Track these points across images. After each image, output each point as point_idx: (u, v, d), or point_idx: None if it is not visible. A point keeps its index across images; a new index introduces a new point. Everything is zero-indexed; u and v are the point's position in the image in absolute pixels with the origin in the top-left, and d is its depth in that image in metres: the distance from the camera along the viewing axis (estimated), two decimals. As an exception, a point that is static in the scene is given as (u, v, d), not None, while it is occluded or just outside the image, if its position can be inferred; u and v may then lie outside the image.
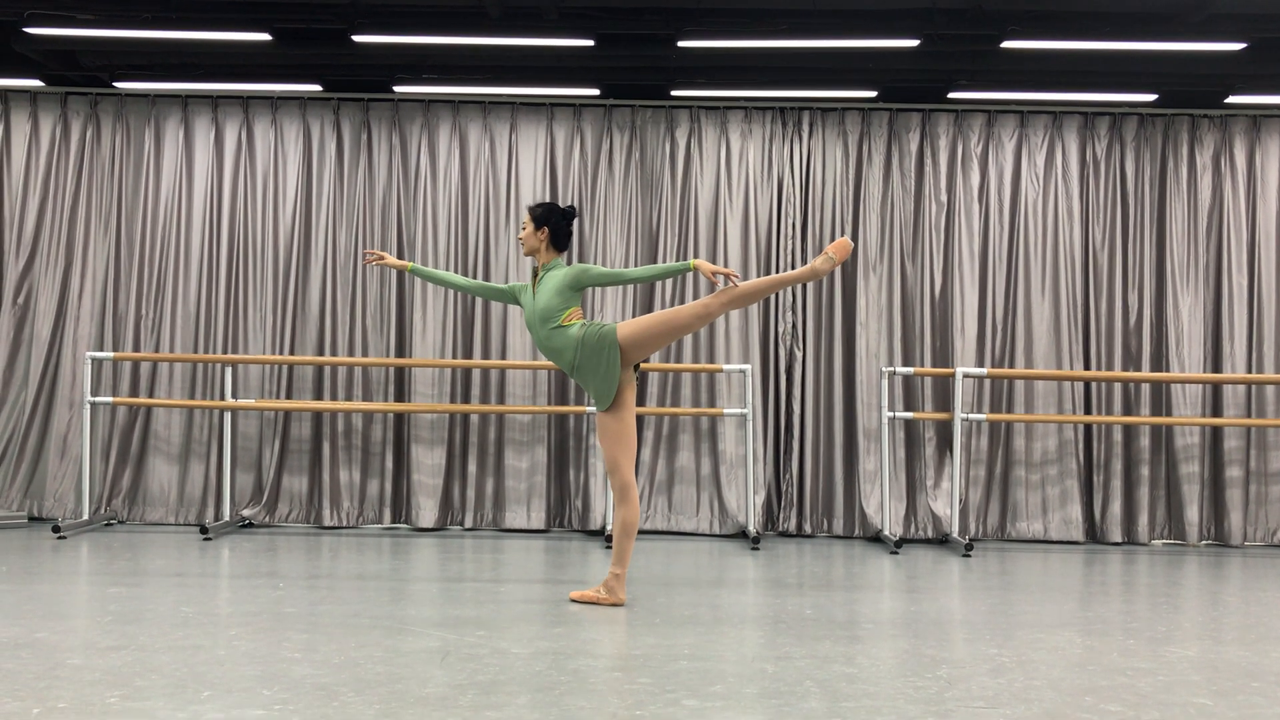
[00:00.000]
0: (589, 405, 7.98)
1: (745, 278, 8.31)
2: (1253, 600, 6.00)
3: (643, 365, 7.99)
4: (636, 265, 8.37)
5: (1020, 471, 8.26)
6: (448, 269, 8.36)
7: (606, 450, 5.36)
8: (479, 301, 8.34)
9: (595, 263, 8.32)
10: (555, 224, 5.44)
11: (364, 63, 8.25)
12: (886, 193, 8.40)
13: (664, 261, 8.34)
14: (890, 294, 8.34)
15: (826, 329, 8.34)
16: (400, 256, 8.40)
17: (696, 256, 8.35)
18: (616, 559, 5.40)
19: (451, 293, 8.33)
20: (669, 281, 8.33)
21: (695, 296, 8.33)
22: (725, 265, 8.30)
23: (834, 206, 8.39)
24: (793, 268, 8.35)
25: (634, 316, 8.25)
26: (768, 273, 8.35)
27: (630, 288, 8.32)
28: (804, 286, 8.35)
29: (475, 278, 8.35)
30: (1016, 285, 8.37)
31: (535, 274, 5.48)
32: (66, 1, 7.31)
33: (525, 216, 5.54)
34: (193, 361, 8.09)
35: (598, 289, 8.29)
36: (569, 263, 7.80)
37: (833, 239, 8.36)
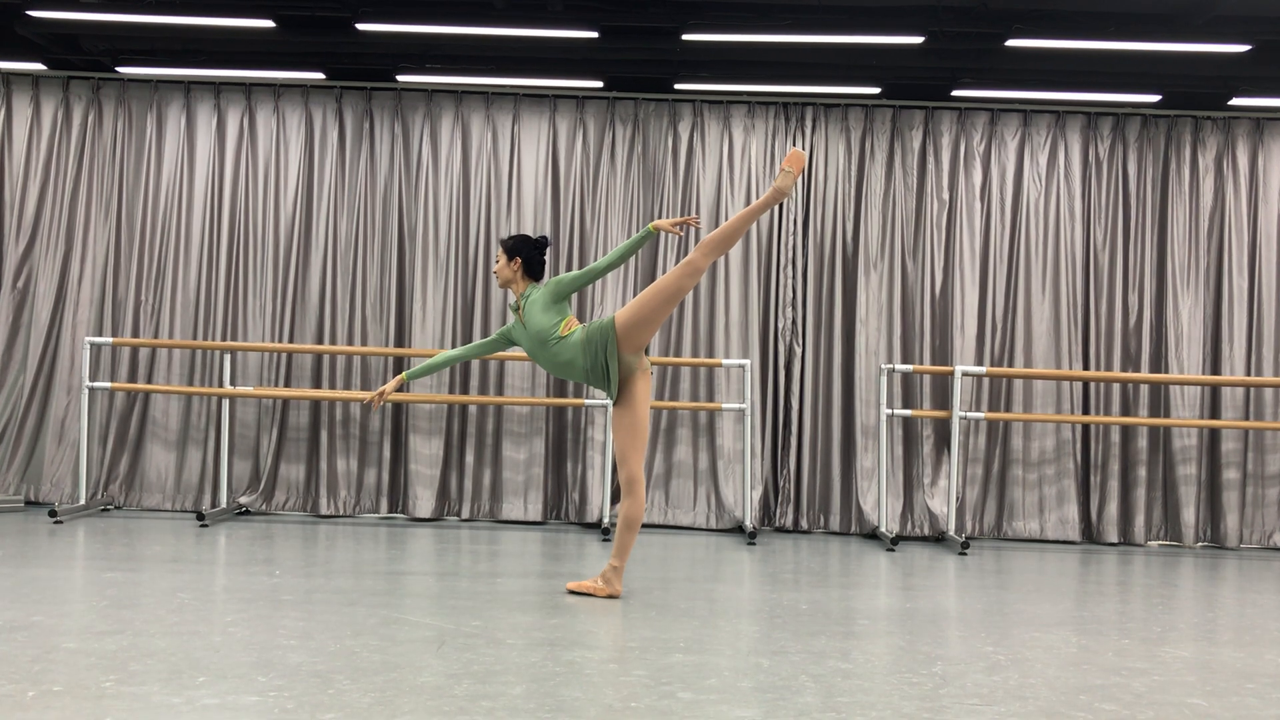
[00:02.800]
0: (587, 398, 7.98)
1: (745, 272, 8.32)
2: (1248, 602, 6.00)
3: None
4: (638, 260, 8.37)
5: (1018, 471, 8.27)
6: (448, 259, 8.35)
7: (617, 442, 5.37)
8: (478, 292, 8.33)
9: (593, 259, 8.31)
10: (527, 255, 5.43)
11: (367, 51, 8.24)
12: (888, 190, 8.40)
13: (666, 254, 8.33)
14: (890, 291, 8.34)
15: (826, 325, 8.34)
16: (400, 247, 8.40)
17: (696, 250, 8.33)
18: (617, 551, 5.40)
19: (451, 282, 8.33)
20: (670, 256, 8.32)
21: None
22: (725, 261, 8.30)
23: (836, 203, 8.39)
24: (794, 264, 8.35)
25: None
26: (768, 269, 8.35)
27: (628, 277, 8.32)
28: (804, 283, 8.35)
29: (475, 270, 8.34)
30: (1017, 284, 8.37)
31: (517, 308, 5.45)
32: (70, -15, 7.30)
33: (497, 250, 5.50)
34: (192, 348, 8.08)
35: (588, 289, 8.25)
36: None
37: (835, 235, 8.36)
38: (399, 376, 5.62)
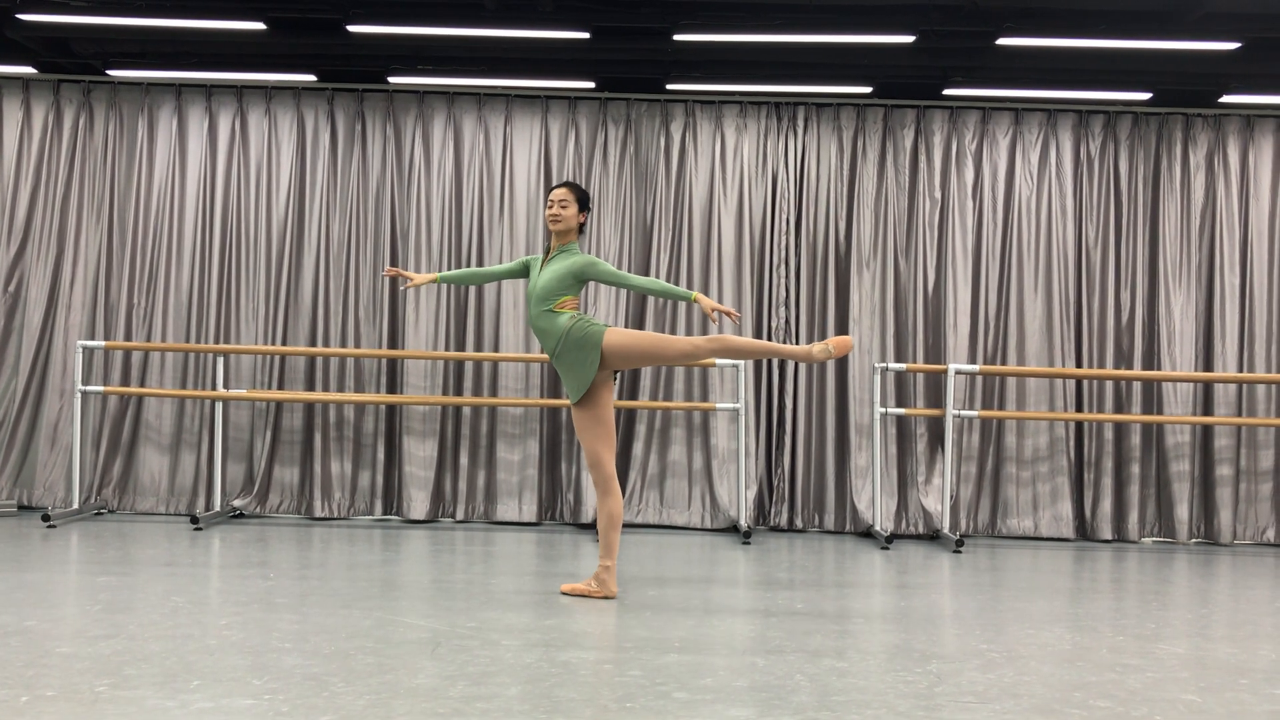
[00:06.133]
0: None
1: (739, 272, 8.32)
2: (1241, 598, 6.02)
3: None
4: (630, 261, 8.38)
5: (1011, 468, 8.28)
6: (441, 261, 8.35)
7: (586, 445, 5.38)
8: (472, 294, 8.33)
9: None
10: (588, 211, 5.55)
11: (359, 53, 8.23)
12: (881, 189, 8.40)
13: (659, 254, 8.34)
14: (883, 290, 8.35)
15: (820, 324, 8.35)
16: (393, 248, 8.39)
17: (690, 253, 8.35)
18: (605, 551, 5.41)
19: (444, 285, 8.31)
20: (664, 263, 8.32)
21: (688, 315, 8.34)
22: (719, 261, 8.31)
23: (828, 202, 8.39)
24: (787, 264, 8.36)
25: (626, 319, 8.29)
26: (761, 268, 8.36)
27: (626, 292, 8.32)
28: (797, 282, 8.35)
29: (468, 268, 8.32)
30: (1009, 282, 8.38)
31: (548, 251, 5.49)
32: (60, -12, 7.28)
33: (565, 194, 5.44)
34: (184, 351, 8.07)
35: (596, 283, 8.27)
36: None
37: (827, 234, 8.37)
38: (432, 275, 5.71)
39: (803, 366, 8.30)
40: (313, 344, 8.31)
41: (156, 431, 8.28)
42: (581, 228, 5.51)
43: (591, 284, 8.27)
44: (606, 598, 5.38)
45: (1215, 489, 8.27)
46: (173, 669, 3.83)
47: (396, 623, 4.68)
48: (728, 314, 5.28)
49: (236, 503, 8.17)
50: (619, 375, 5.63)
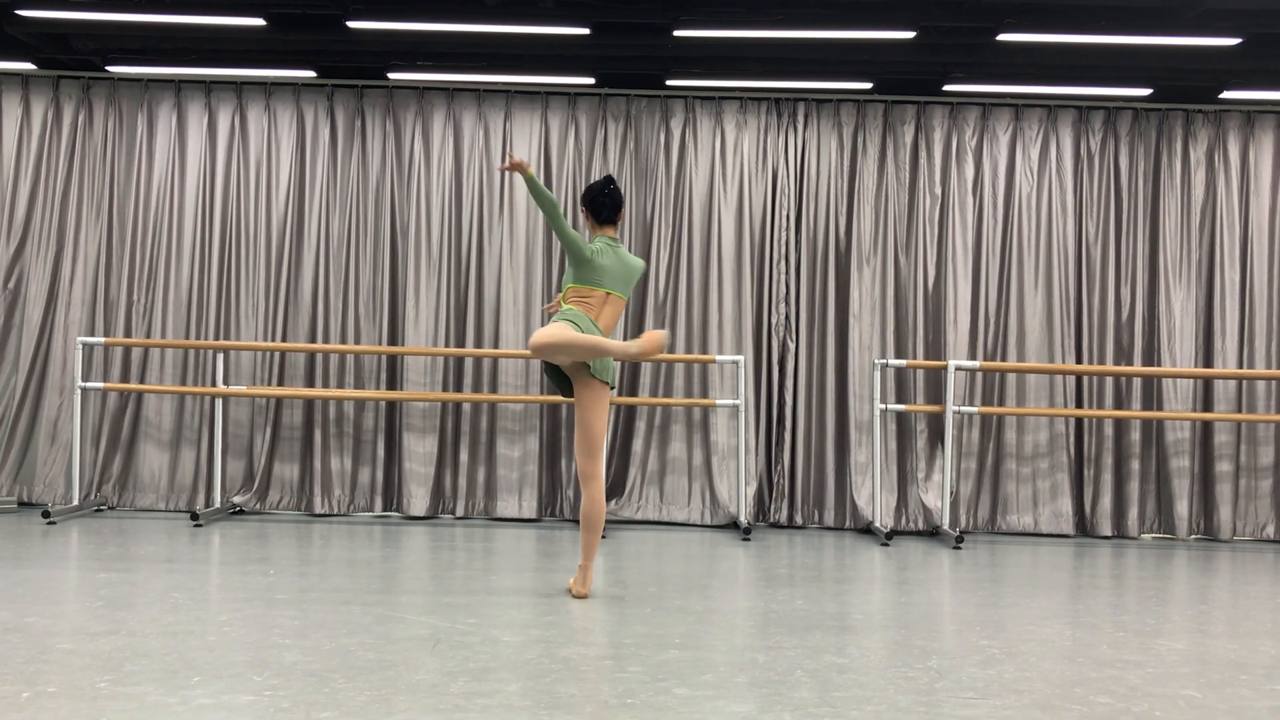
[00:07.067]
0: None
1: (739, 268, 8.31)
2: (1241, 594, 6.02)
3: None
4: (631, 254, 8.36)
5: (1011, 464, 8.28)
6: (441, 258, 8.34)
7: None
8: (472, 290, 8.33)
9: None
10: (590, 200, 5.43)
11: (358, 49, 8.21)
12: (881, 185, 8.40)
13: (659, 251, 8.34)
14: (884, 286, 8.35)
15: (820, 320, 8.35)
16: (392, 245, 8.38)
17: (691, 249, 8.35)
18: (581, 550, 5.34)
19: (444, 280, 8.31)
20: (662, 287, 8.31)
21: (687, 313, 8.35)
22: (719, 257, 8.31)
23: (828, 198, 8.39)
24: (787, 260, 8.36)
25: (625, 315, 8.25)
26: (761, 265, 8.36)
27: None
28: (797, 278, 8.35)
29: (468, 268, 8.34)
30: (1009, 278, 8.38)
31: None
32: (59, -16, 7.27)
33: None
34: (184, 348, 8.06)
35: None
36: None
37: (828, 230, 8.36)
38: (529, 171, 5.30)
39: (803, 362, 8.29)
40: (312, 340, 8.31)
41: (156, 428, 8.27)
42: (598, 215, 5.41)
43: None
44: (577, 597, 5.30)
45: (1215, 485, 8.27)
46: (173, 665, 3.83)
47: (397, 619, 4.68)
48: (512, 163, 5.18)
49: (236, 499, 8.17)
50: (619, 377, 5.60)
